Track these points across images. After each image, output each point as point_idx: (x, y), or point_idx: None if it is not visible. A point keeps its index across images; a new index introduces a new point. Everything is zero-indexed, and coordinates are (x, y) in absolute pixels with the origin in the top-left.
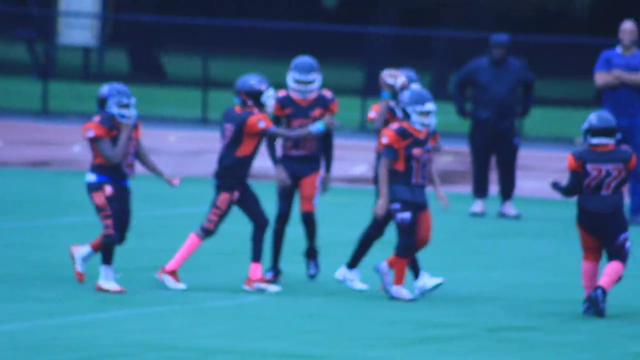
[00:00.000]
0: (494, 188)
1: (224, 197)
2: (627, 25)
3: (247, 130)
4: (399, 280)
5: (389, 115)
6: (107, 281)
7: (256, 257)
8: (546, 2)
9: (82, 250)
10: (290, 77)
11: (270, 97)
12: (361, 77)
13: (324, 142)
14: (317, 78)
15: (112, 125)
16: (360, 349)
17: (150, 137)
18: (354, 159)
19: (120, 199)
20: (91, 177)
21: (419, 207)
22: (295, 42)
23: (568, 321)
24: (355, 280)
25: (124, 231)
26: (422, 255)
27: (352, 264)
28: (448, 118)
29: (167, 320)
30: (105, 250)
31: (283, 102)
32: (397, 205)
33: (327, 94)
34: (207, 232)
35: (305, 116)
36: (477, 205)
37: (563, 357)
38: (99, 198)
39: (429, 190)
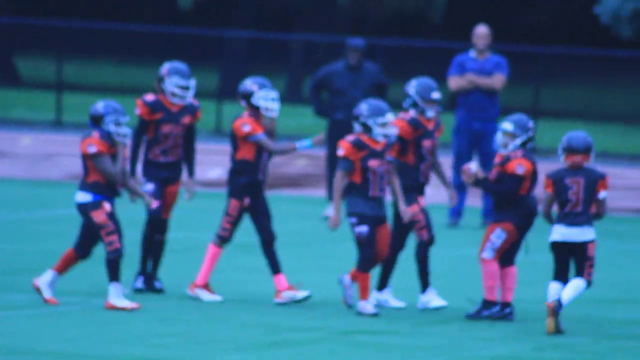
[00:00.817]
0: None
1: (233, 204)
2: (481, 30)
3: (236, 133)
4: (363, 295)
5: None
6: (119, 298)
7: (274, 269)
8: (402, 6)
9: (45, 277)
10: (172, 82)
11: (261, 99)
12: (217, 81)
13: (187, 147)
14: (194, 84)
15: (111, 142)
16: (214, 353)
17: (3, 140)
18: (209, 162)
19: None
20: (86, 197)
21: (377, 220)
22: (151, 44)
23: (423, 325)
24: (389, 299)
25: (93, 246)
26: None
27: (381, 285)
28: (302, 121)
29: (20, 323)
30: (113, 266)
31: (153, 107)
32: (353, 219)
33: (194, 101)
34: (223, 240)
35: (176, 122)
36: (331, 209)
37: None
38: (100, 216)
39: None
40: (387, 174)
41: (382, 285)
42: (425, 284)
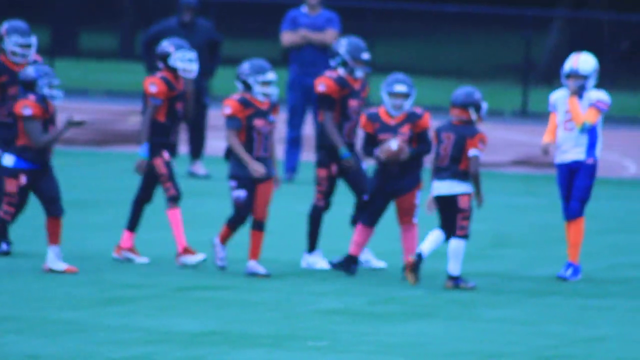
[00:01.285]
0: (183, 148)
1: (157, 162)
2: None
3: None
4: (222, 239)
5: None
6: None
7: (130, 225)
8: None
9: (49, 255)
10: (11, 41)
11: (178, 60)
12: (48, 38)
13: None
14: (35, 41)
15: (46, 107)
16: (48, 311)
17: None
18: None
19: (44, 179)
20: (9, 161)
21: (257, 181)
22: None
23: (258, 281)
24: (371, 259)
25: (58, 201)
26: (104, 217)
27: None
28: (136, 78)
29: None
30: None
31: None
32: (233, 183)
33: (38, 57)
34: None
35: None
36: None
37: (251, 315)
38: (11, 186)
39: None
40: (270, 134)
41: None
42: (312, 245)
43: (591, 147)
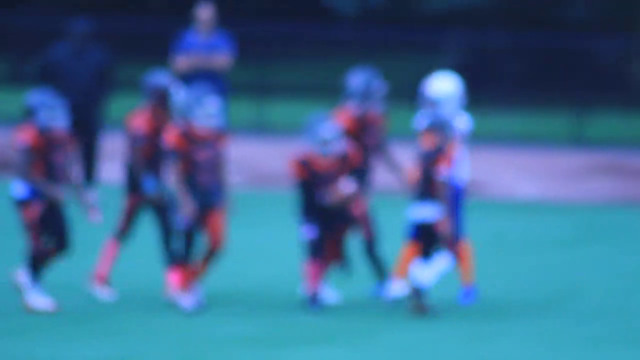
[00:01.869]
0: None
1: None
2: (205, 10)
3: None
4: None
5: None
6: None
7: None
8: None
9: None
10: None
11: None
12: None
13: None
14: None
15: (46, 134)
16: None
17: None
18: None
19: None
20: (20, 191)
21: (203, 210)
22: None
23: (157, 306)
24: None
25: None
26: None
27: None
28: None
29: None
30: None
31: None
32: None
33: None
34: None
35: None
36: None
37: (148, 341)
38: (30, 214)
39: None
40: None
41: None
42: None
43: None
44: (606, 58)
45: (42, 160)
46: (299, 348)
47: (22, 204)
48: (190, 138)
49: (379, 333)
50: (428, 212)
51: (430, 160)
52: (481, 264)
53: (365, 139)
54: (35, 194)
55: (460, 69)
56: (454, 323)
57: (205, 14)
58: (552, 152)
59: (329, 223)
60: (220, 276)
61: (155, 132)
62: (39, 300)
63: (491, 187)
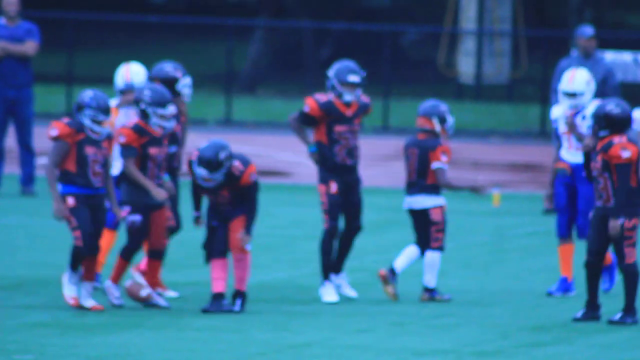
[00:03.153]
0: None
1: None
2: None
3: None
4: (115, 277)
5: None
6: (70, 286)
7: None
8: None
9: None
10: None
11: (186, 86)
12: None
13: None
14: None
15: (76, 132)
16: None
17: None
18: None
19: (87, 208)
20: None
21: (151, 207)
22: None
23: None
24: (343, 284)
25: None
26: None
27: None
28: None
29: None
30: (72, 257)
31: None
32: (126, 208)
33: None
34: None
35: None
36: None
37: None
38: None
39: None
40: (165, 161)
41: (337, 269)
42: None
43: None
44: (410, 45)
45: (75, 153)
46: (109, 332)
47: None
48: (143, 134)
49: (186, 317)
50: (427, 200)
51: (427, 149)
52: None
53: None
54: (66, 188)
55: (268, 54)
56: (260, 306)
57: (10, 3)
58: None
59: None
60: None
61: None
62: (70, 291)
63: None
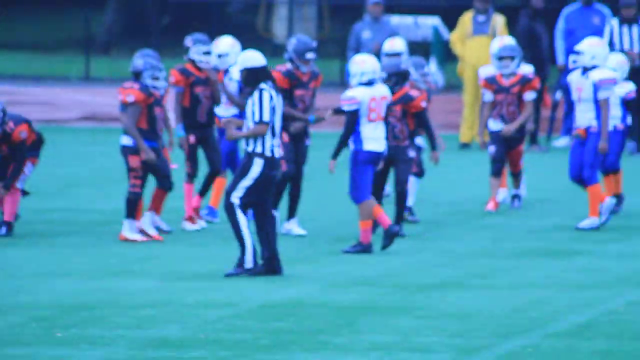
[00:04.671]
0: None
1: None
2: None
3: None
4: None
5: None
6: (131, 232)
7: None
8: None
9: (144, 219)
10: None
11: (194, 53)
12: None
13: None
14: None
15: (148, 94)
16: None
17: None
18: None
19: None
20: (128, 141)
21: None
22: None
23: None
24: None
25: (169, 177)
26: None
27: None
28: None
29: None
30: (130, 205)
31: None
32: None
33: None
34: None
35: None
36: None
37: None
38: (134, 161)
39: None
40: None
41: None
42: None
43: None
44: (235, 13)
45: (145, 113)
46: None
47: (127, 151)
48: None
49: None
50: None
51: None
52: None
53: None
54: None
55: (121, 22)
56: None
57: None
58: None
59: None
60: None
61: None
62: (132, 234)
63: None
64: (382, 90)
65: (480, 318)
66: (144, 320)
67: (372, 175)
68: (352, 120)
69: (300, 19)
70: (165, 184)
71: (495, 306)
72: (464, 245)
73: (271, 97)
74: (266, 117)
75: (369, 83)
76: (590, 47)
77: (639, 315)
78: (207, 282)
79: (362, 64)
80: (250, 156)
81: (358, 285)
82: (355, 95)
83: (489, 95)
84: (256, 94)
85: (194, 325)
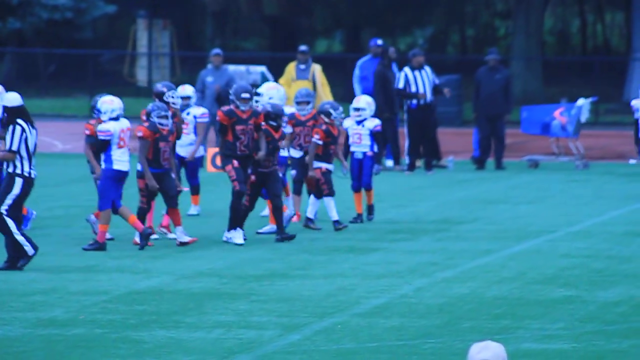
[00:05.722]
0: None
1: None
2: None
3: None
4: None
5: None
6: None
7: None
8: None
9: (178, 232)
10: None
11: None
12: None
13: None
14: None
15: (155, 130)
16: None
17: None
18: None
19: (159, 181)
20: (139, 167)
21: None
22: None
23: None
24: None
25: (175, 198)
26: None
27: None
28: None
29: None
30: (139, 216)
31: None
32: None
33: None
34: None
35: None
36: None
37: None
38: (141, 183)
39: None
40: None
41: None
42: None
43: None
44: (106, 63)
45: (152, 147)
46: None
47: (137, 175)
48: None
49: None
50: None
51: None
52: None
53: None
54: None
55: (15, 73)
56: None
57: None
58: None
59: None
60: None
61: None
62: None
63: None
64: (125, 123)
65: (302, 301)
66: (35, 304)
67: (116, 189)
68: (104, 146)
69: (158, 67)
70: (171, 203)
71: (313, 292)
72: (288, 244)
73: (22, 130)
74: (15, 146)
75: (117, 118)
76: (367, 103)
77: (425, 298)
78: (85, 274)
79: (110, 103)
80: (11, 176)
81: (205, 276)
82: (109, 127)
83: (289, 129)
84: (11, 127)
85: (75, 308)
